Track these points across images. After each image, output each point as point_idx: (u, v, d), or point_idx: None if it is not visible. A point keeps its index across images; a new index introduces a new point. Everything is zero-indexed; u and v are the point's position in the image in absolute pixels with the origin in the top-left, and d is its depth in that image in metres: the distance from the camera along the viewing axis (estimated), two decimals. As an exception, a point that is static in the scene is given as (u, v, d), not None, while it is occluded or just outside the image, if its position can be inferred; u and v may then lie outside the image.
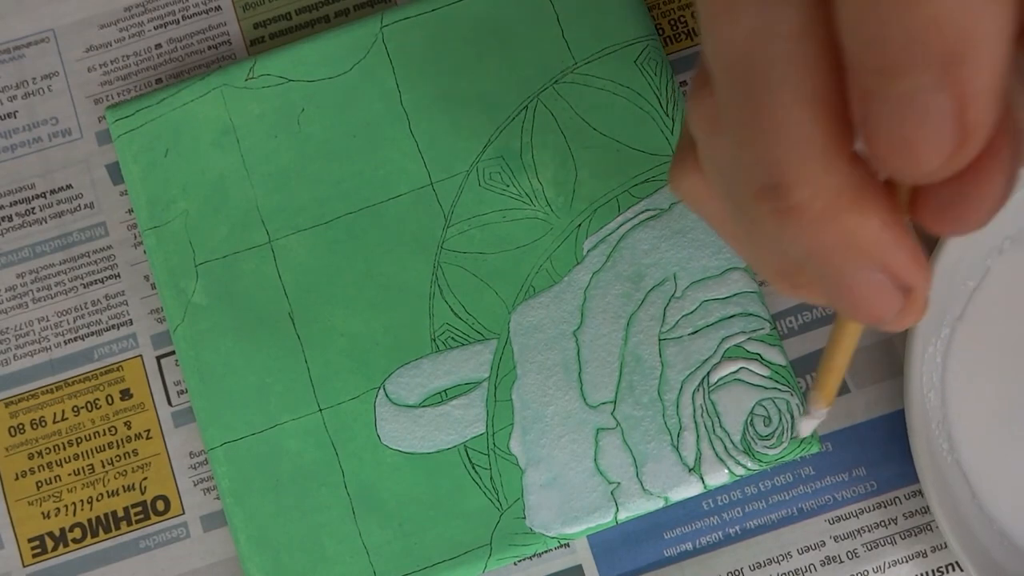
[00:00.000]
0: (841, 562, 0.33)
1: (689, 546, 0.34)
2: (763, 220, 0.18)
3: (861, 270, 0.18)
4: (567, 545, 0.34)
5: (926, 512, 0.33)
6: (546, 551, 0.34)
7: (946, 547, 0.33)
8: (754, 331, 0.33)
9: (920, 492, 0.34)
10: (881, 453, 0.34)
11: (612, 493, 0.32)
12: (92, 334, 0.36)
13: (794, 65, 0.17)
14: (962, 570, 0.33)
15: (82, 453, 0.35)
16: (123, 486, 0.35)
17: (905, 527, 0.33)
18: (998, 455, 0.33)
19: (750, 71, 0.17)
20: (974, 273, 0.34)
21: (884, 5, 0.15)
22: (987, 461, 0.33)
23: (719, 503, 0.34)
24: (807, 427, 0.31)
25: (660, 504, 0.32)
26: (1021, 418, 0.33)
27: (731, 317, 0.33)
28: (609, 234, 0.34)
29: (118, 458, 0.35)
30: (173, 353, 0.35)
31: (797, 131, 0.17)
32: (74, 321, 0.36)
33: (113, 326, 0.36)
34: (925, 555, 0.33)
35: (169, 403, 0.35)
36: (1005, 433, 0.33)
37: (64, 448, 0.35)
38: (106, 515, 0.35)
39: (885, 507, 0.34)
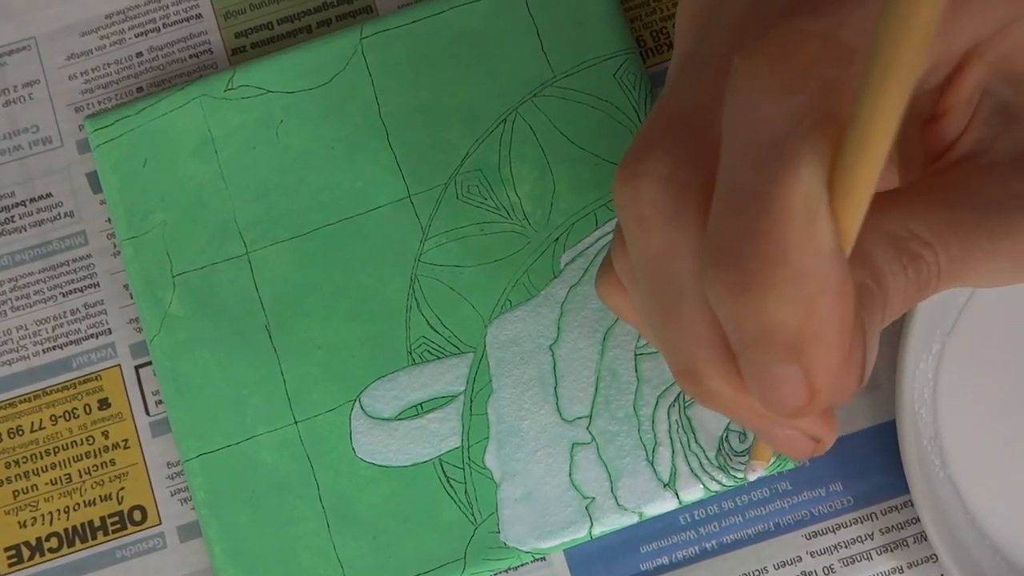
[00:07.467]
0: (817, 577, 0.33)
1: (666, 560, 0.34)
2: (687, 390, 0.21)
3: (775, 428, 0.22)
4: (543, 559, 0.34)
5: (903, 527, 0.33)
6: (521, 565, 0.34)
7: (923, 563, 0.33)
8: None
9: (896, 507, 0.34)
10: (858, 468, 0.34)
11: (587, 508, 0.32)
12: (71, 343, 0.36)
13: (697, 279, 0.19)
14: (938, 586, 0.33)
15: (59, 462, 0.35)
16: (100, 496, 0.35)
17: (882, 542, 0.33)
18: (990, 470, 0.33)
19: (663, 280, 0.20)
20: (964, 288, 0.34)
21: (736, 307, 0.17)
22: (979, 476, 0.33)
23: (696, 517, 0.34)
24: (752, 475, 0.32)
25: (635, 519, 0.32)
26: (1013, 432, 0.33)
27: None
28: (587, 248, 0.34)
29: (95, 468, 0.35)
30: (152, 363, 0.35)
31: (704, 334, 0.20)
32: (53, 330, 0.36)
33: (92, 335, 0.36)
34: (902, 571, 0.33)
35: (147, 413, 0.35)
36: (997, 447, 0.33)
37: (41, 457, 0.35)
38: (83, 525, 0.35)
39: (862, 522, 0.34)
